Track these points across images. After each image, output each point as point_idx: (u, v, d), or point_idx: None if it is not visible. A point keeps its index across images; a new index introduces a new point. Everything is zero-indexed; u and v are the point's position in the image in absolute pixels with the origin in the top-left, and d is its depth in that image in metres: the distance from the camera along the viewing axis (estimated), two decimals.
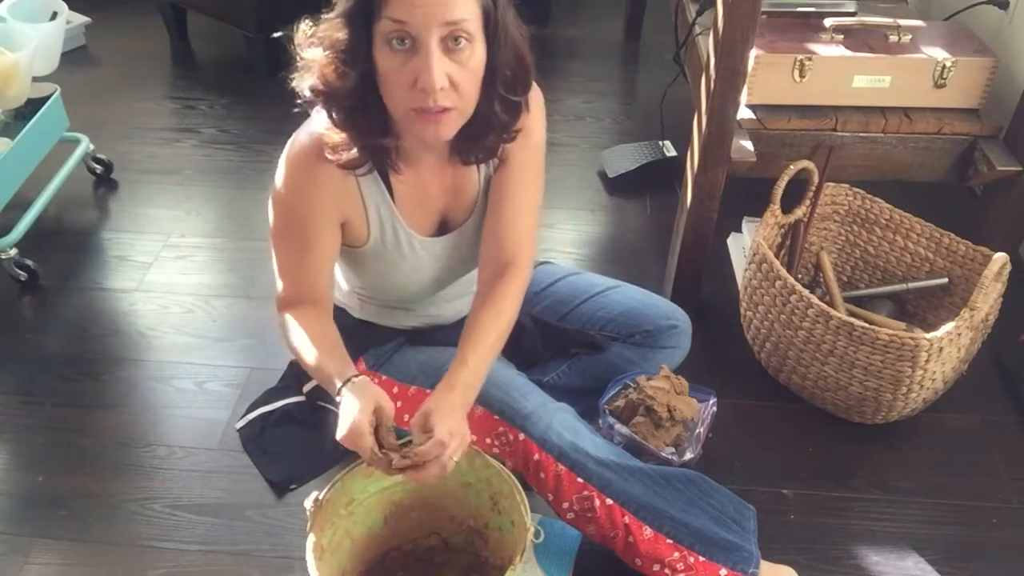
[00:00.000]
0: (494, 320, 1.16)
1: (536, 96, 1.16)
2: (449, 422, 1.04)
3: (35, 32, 1.90)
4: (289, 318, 1.17)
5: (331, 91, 1.04)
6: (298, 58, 1.07)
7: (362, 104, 1.04)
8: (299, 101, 1.09)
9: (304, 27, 1.07)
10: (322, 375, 1.12)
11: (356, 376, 1.08)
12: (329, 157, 1.09)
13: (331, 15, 1.02)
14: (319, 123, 1.11)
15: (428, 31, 0.95)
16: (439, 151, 1.16)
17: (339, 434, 1.04)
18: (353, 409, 1.04)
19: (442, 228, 1.25)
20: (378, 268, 1.24)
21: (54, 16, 2.06)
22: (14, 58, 1.83)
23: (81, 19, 2.75)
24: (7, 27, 1.91)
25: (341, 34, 1.01)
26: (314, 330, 1.15)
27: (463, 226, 1.25)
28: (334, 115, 1.06)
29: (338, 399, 1.07)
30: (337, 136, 1.08)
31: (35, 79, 1.96)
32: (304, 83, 1.06)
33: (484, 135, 1.10)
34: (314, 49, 1.05)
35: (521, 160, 1.20)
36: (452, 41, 0.97)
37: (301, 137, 1.13)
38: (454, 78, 0.99)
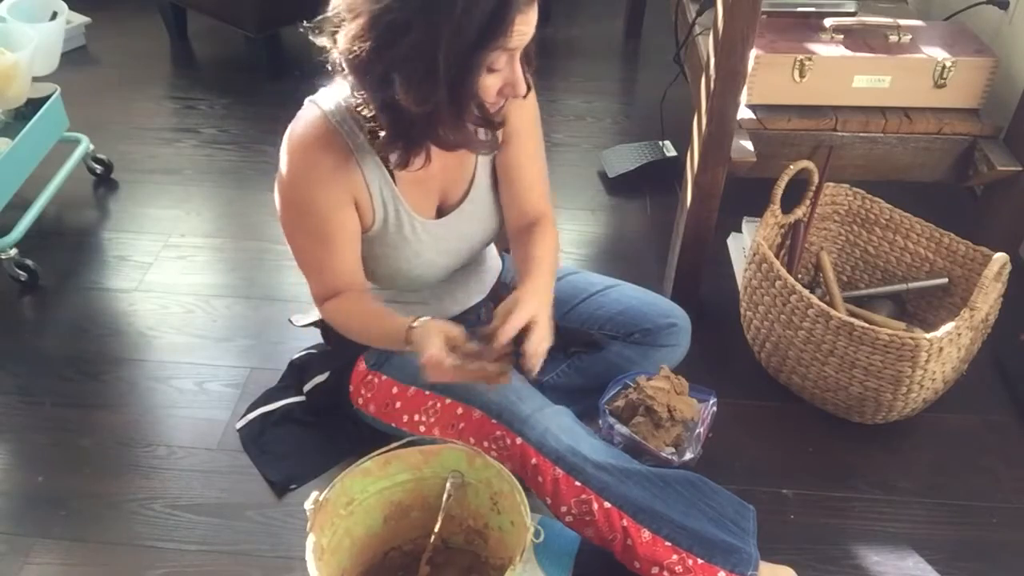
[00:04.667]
0: (544, 244, 1.26)
1: None
2: (534, 304, 1.13)
3: (35, 32, 1.90)
4: (332, 307, 1.24)
5: (403, 111, 1.04)
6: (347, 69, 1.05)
7: (459, 119, 1.07)
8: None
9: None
10: (385, 341, 1.23)
11: (414, 323, 1.15)
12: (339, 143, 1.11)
13: (420, 78, 0.99)
14: (312, 111, 1.13)
15: (523, 45, 1.03)
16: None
17: (425, 378, 1.13)
18: (425, 349, 1.11)
19: (440, 210, 1.27)
20: (382, 253, 1.25)
21: (54, 16, 2.06)
22: (14, 58, 1.83)
23: (81, 19, 2.74)
24: (7, 27, 1.91)
25: (451, 70, 0.98)
26: (359, 307, 1.23)
27: (461, 206, 1.27)
28: (397, 126, 1.07)
29: (408, 348, 1.15)
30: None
31: (35, 79, 1.96)
32: (376, 99, 1.06)
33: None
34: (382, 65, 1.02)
35: (525, 131, 1.26)
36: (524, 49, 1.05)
37: (299, 129, 1.14)
38: None
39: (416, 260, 1.26)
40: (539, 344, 1.13)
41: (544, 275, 1.22)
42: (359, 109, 1.12)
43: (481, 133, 1.16)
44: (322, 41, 1.05)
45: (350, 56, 1.01)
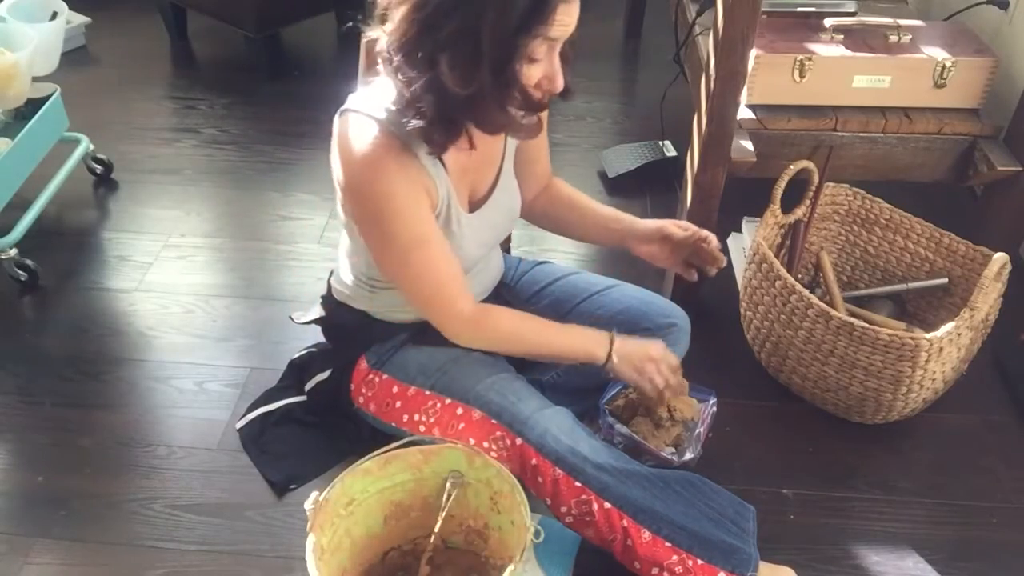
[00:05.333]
0: (576, 191, 1.47)
1: None
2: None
3: (35, 32, 1.90)
4: (489, 324, 1.26)
5: (448, 97, 1.05)
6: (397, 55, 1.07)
7: (502, 104, 1.10)
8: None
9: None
10: (575, 354, 1.28)
11: (611, 340, 1.26)
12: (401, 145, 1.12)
13: (464, 59, 1.02)
14: (367, 126, 1.12)
15: (565, 37, 1.06)
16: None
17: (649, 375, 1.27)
18: (644, 347, 1.27)
19: (471, 203, 1.29)
20: None
21: (54, 16, 2.06)
22: (14, 58, 1.83)
23: (81, 19, 2.74)
24: (7, 27, 1.91)
25: (493, 53, 1.02)
26: (519, 318, 1.29)
27: (493, 196, 1.30)
28: (438, 113, 1.08)
29: (615, 360, 1.26)
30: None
31: (35, 79, 1.96)
32: (422, 80, 1.06)
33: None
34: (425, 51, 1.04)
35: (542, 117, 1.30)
36: (566, 41, 1.09)
37: (365, 149, 1.12)
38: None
39: (458, 252, 1.26)
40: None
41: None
42: (401, 107, 1.11)
43: (523, 117, 1.15)
44: (370, 30, 1.10)
45: (400, 38, 1.04)
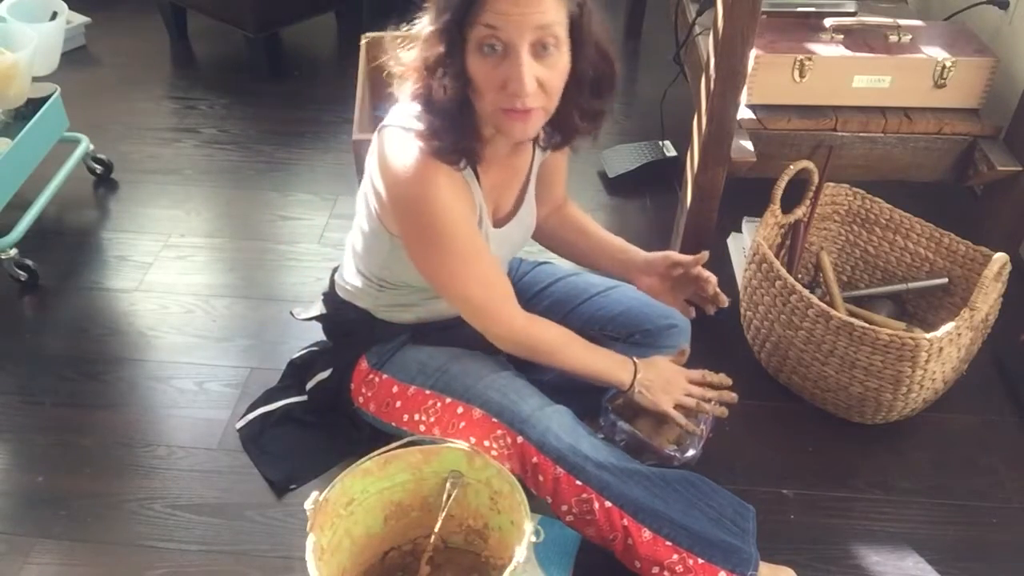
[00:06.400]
0: (588, 217, 1.47)
1: None
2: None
3: (35, 32, 1.90)
4: (534, 332, 1.27)
5: (432, 101, 1.07)
6: (392, 63, 1.11)
7: (459, 109, 1.07)
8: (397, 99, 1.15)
9: (396, 36, 1.10)
10: (602, 375, 1.30)
11: (635, 368, 1.29)
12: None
13: (426, 29, 1.05)
14: (401, 139, 1.13)
15: (520, 37, 1.00)
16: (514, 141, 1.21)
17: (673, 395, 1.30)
18: (667, 371, 1.31)
19: (495, 219, 1.29)
20: None
21: (54, 16, 2.06)
22: (14, 58, 1.83)
23: (81, 19, 2.74)
24: (7, 27, 1.91)
25: (439, 47, 1.03)
26: (561, 332, 1.28)
27: (519, 214, 1.30)
28: (431, 119, 1.09)
29: (640, 390, 1.29)
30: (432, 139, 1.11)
31: (35, 79, 1.96)
32: (404, 91, 1.11)
33: (566, 130, 1.17)
34: (409, 53, 1.08)
35: None
36: (541, 47, 1.02)
37: (402, 159, 1.12)
38: (542, 80, 1.04)
39: None
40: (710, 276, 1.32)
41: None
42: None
43: (518, 131, 1.11)
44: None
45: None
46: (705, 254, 1.32)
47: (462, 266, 1.18)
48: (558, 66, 1.06)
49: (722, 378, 1.36)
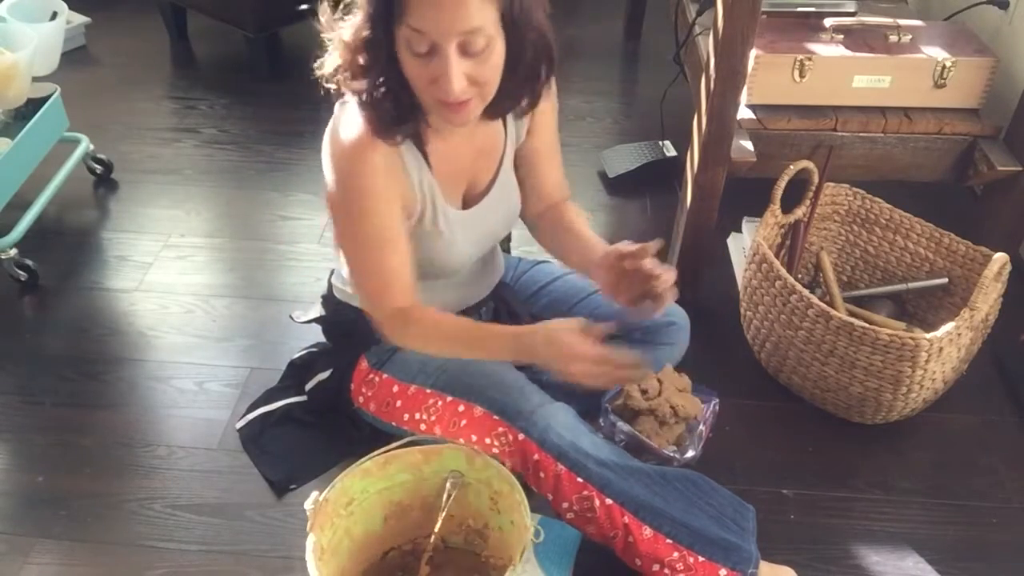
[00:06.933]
0: (579, 218, 1.35)
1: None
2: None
3: (35, 32, 1.90)
4: (413, 330, 1.21)
5: (357, 81, 1.07)
6: (324, 40, 1.10)
7: (390, 91, 1.06)
8: (327, 86, 1.12)
9: (328, 10, 1.09)
10: (484, 351, 1.22)
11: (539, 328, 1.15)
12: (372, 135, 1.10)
13: (356, 15, 1.04)
14: (353, 114, 1.12)
15: (446, 40, 0.98)
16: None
17: (572, 381, 1.11)
18: (572, 347, 1.09)
19: (465, 200, 1.27)
20: (415, 244, 1.24)
21: (54, 16, 2.06)
22: (14, 58, 1.83)
23: (81, 19, 2.74)
24: (7, 27, 1.91)
25: (365, 32, 1.03)
26: (438, 319, 1.22)
27: (490, 196, 1.28)
28: (363, 100, 1.08)
29: (522, 358, 1.19)
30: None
31: (35, 79, 1.96)
32: (330, 68, 1.10)
33: (509, 104, 1.14)
34: (339, 33, 1.07)
35: (548, 123, 1.29)
36: (470, 45, 1.00)
37: (345, 133, 1.13)
38: (473, 75, 1.03)
39: (449, 250, 1.26)
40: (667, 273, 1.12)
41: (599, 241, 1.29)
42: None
43: (454, 120, 1.09)
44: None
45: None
46: (653, 244, 1.12)
47: (368, 251, 1.18)
48: (490, 60, 1.03)
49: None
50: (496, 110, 1.14)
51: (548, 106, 1.27)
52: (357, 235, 1.18)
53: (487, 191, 1.29)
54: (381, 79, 1.05)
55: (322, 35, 1.10)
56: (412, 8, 0.97)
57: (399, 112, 1.09)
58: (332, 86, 1.12)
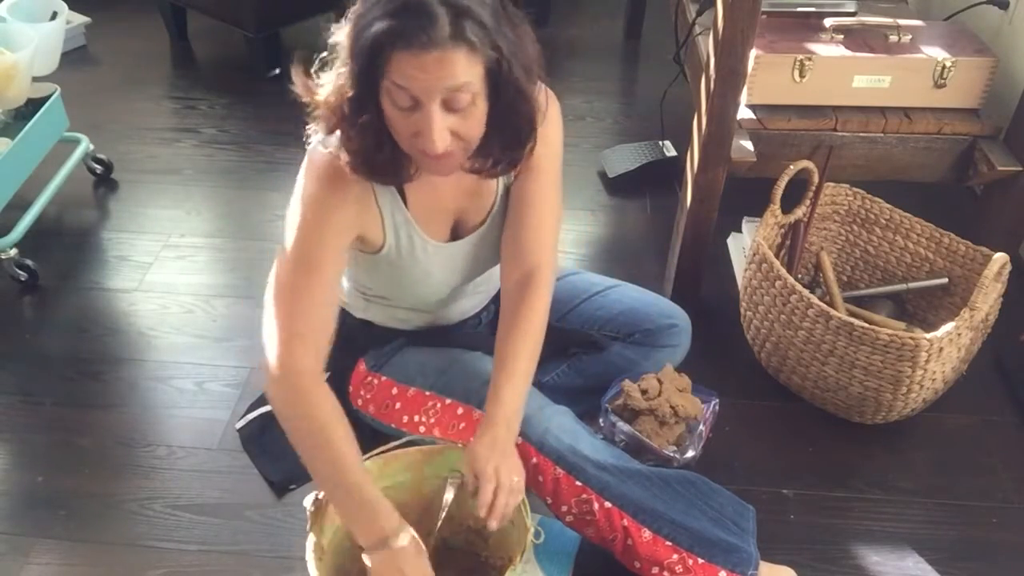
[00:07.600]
0: (523, 342, 1.16)
1: (554, 104, 1.16)
2: (494, 460, 1.09)
3: (35, 32, 1.90)
4: (306, 399, 1.08)
5: (345, 134, 1.05)
6: (309, 91, 1.07)
7: (375, 142, 1.04)
8: (310, 129, 1.10)
9: (301, 73, 1.06)
10: (338, 499, 1.09)
11: (393, 542, 1.06)
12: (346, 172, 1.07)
13: (339, 68, 1.01)
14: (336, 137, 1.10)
15: (429, 97, 0.96)
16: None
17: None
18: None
19: (456, 232, 1.24)
20: (391, 273, 1.24)
21: (54, 16, 2.06)
22: (14, 58, 1.83)
23: (81, 19, 2.74)
24: (7, 27, 1.91)
25: (350, 92, 1.00)
26: (338, 428, 1.08)
27: (479, 230, 1.24)
28: (350, 150, 1.06)
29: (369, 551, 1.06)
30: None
31: (35, 79, 1.96)
32: (320, 127, 1.07)
33: (493, 163, 1.10)
34: (325, 88, 1.04)
35: (543, 167, 1.19)
36: (455, 101, 0.98)
37: (322, 150, 1.10)
38: (456, 130, 1.00)
39: (428, 280, 1.25)
40: (504, 504, 1.08)
41: (505, 404, 1.13)
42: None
43: (436, 171, 1.07)
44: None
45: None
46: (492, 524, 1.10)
47: (292, 265, 1.11)
48: (474, 115, 1.00)
49: None
50: (476, 166, 1.11)
51: (548, 151, 1.18)
52: (289, 246, 1.12)
53: (477, 228, 1.24)
54: (367, 131, 1.02)
55: (300, 100, 1.07)
56: (395, 66, 0.95)
57: (382, 161, 1.06)
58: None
